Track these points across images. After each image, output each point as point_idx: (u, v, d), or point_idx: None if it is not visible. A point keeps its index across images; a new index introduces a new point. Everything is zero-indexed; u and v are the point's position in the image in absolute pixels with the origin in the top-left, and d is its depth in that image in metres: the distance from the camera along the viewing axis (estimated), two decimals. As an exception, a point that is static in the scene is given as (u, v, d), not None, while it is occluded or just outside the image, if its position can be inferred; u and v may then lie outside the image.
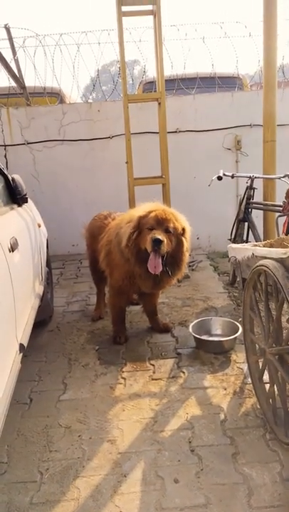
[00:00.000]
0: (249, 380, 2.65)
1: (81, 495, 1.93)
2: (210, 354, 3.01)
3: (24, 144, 5.48)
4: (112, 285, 3.28)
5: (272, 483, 1.92)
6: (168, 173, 4.55)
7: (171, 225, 2.83)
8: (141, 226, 2.86)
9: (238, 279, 2.97)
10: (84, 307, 4.12)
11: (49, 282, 3.90)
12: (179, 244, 2.90)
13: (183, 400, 2.54)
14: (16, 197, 2.86)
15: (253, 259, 2.47)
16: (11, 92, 5.46)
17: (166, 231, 2.82)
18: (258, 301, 2.40)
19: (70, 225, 5.43)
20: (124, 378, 2.82)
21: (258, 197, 4.20)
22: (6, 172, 2.83)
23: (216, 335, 3.22)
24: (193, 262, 5.13)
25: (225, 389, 2.64)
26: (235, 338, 3.06)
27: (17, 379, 2.13)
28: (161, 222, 2.82)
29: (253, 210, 4.02)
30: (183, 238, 2.92)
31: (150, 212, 2.86)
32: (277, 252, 2.10)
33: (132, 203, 4.41)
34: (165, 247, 2.78)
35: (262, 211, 4.12)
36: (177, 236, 2.88)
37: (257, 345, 2.43)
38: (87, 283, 4.74)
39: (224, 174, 3.94)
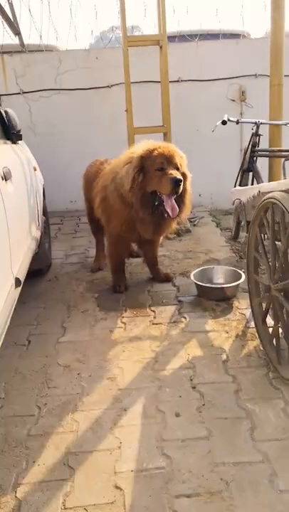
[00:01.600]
0: (252, 324, 2.59)
1: (80, 427, 1.89)
2: (212, 301, 2.95)
3: (19, 93, 5.25)
4: (110, 233, 3.17)
5: (276, 418, 1.88)
6: (169, 123, 4.38)
7: (179, 161, 2.69)
8: (146, 167, 2.68)
9: (242, 224, 2.86)
10: (83, 259, 4.03)
11: (46, 232, 3.81)
12: (186, 181, 2.79)
13: (184, 343, 2.50)
14: (9, 133, 2.70)
15: (259, 198, 2.36)
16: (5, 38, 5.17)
17: (177, 169, 2.68)
18: (263, 240, 2.30)
19: (68, 180, 5.25)
20: (124, 323, 2.78)
21: (264, 145, 4.04)
22: (-1, 107, 2.67)
23: (219, 283, 3.15)
24: (194, 217, 5.02)
25: (227, 332, 2.59)
26: (238, 285, 2.99)
27: (14, 323, 2.06)
28: (170, 160, 2.66)
29: (258, 158, 3.87)
30: (186, 171, 2.81)
31: (153, 150, 2.69)
32: (287, 182, 1.99)
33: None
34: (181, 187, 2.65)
35: (267, 160, 3.96)
36: (183, 174, 2.74)
37: (261, 286, 2.34)
38: (86, 238, 4.64)
39: (229, 119, 3.77)
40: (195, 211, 5.33)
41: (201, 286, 3.03)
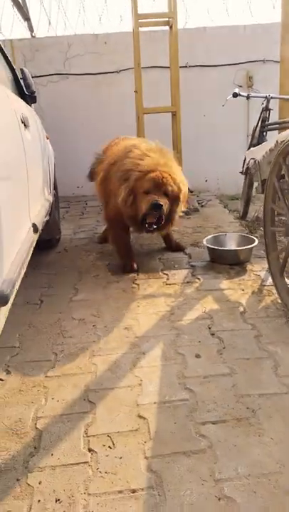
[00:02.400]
0: (267, 282, 2.56)
1: (98, 369, 1.85)
2: (225, 266, 2.93)
3: (28, 77, 5.27)
4: (108, 215, 3.16)
5: (299, 359, 1.83)
6: (179, 103, 4.39)
7: (169, 188, 2.68)
8: (136, 187, 2.69)
9: (255, 186, 2.84)
10: (91, 235, 4.01)
11: (56, 205, 3.78)
12: (175, 205, 2.77)
13: (199, 299, 2.48)
14: (23, 93, 2.69)
15: (276, 149, 2.34)
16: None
17: (165, 194, 2.68)
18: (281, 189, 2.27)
19: (75, 165, 5.22)
20: (138, 284, 2.76)
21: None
22: (14, 66, 2.66)
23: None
24: (201, 200, 5.00)
25: (243, 290, 2.56)
26: (252, 248, 2.96)
27: (25, 286, 2.03)
28: (159, 185, 2.66)
29: (268, 132, 3.85)
30: (180, 199, 2.79)
31: (147, 172, 2.67)
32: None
33: (140, 133, 4.24)
34: (164, 211, 2.66)
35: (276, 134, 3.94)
36: (174, 198, 2.74)
37: (279, 237, 2.31)
38: (94, 218, 4.65)
39: (239, 93, 3.76)
40: (201, 195, 5.34)
41: (214, 249, 3.01)
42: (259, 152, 2.59)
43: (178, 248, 3.35)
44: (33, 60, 5.27)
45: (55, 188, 3.73)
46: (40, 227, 2.28)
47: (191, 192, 4.58)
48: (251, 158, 2.72)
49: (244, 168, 3.33)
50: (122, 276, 2.90)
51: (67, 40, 5.26)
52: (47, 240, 3.44)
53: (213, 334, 2.07)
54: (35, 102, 2.85)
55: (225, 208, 4.81)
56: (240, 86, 5.40)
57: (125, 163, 2.80)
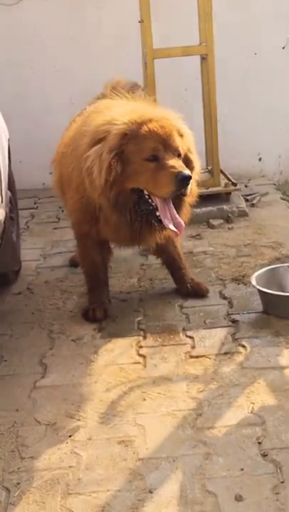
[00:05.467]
0: None
1: (77, 521, 1.86)
2: (286, 320, 2.97)
3: None
4: (73, 224, 3.31)
5: None
6: (212, 39, 4.37)
7: (178, 143, 2.76)
8: (128, 152, 2.74)
9: None
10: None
11: (14, 217, 3.83)
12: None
13: (244, 385, 2.50)
14: None
15: None
16: None
17: (178, 155, 2.76)
18: None
19: (46, 139, 5.26)
20: (144, 356, 2.80)
21: None
22: None
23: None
24: (253, 194, 5.00)
25: (317, 368, 2.56)
26: None
27: None
28: (168, 143, 2.73)
29: None
30: (192, 159, 2.90)
31: (141, 123, 2.74)
32: None
33: (150, 89, 4.24)
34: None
35: None
36: (185, 158, 2.83)
37: None
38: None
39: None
40: (253, 184, 5.36)
41: (268, 295, 3.05)
42: None
43: (196, 292, 3.34)
44: None
45: (11, 189, 3.76)
46: None
47: (235, 185, 4.57)
48: None
49: None
50: (118, 340, 2.94)
51: None
52: (-1, 276, 3.47)
53: (265, 455, 2.06)
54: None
55: (290, 207, 4.82)
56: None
57: (92, 125, 2.90)
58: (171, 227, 2.75)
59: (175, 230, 2.75)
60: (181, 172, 2.64)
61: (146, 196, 2.80)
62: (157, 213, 2.76)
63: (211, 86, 4.46)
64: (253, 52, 5.42)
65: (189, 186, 2.71)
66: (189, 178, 2.66)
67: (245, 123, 5.47)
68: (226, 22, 5.11)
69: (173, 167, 2.66)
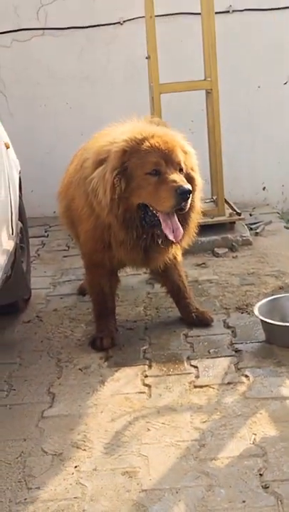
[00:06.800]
0: None
1: None
2: None
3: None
4: (83, 254, 3.37)
5: None
6: (216, 74, 4.46)
7: (180, 158, 2.81)
8: (131, 168, 2.79)
9: None
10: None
11: (24, 246, 3.88)
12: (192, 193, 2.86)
13: (247, 416, 2.51)
14: None
15: None
16: None
17: (180, 170, 2.81)
18: None
19: (56, 169, 5.31)
20: (149, 386, 2.82)
21: None
22: None
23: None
24: (257, 222, 5.05)
25: (316, 399, 2.57)
26: None
27: None
28: (169, 157, 2.77)
29: None
30: (194, 176, 2.94)
31: (142, 139, 2.78)
32: None
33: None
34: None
35: None
36: (190, 180, 2.86)
37: None
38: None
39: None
40: (257, 213, 5.40)
41: (271, 325, 3.06)
42: None
43: (200, 320, 3.36)
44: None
45: (22, 219, 3.83)
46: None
47: (239, 214, 4.62)
48: None
49: None
50: (124, 369, 2.97)
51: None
52: (8, 305, 3.54)
53: (266, 487, 2.07)
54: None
55: (295, 236, 4.85)
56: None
57: (94, 147, 2.98)
58: (171, 237, 2.80)
59: (171, 235, 2.80)
60: (181, 186, 2.68)
61: (152, 212, 2.83)
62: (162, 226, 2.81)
63: (216, 119, 4.53)
64: (256, 85, 5.51)
65: (189, 200, 2.74)
66: (189, 192, 2.69)
67: (249, 153, 5.56)
68: (229, 55, 5.20)
69: (174, 181, 2.70)
